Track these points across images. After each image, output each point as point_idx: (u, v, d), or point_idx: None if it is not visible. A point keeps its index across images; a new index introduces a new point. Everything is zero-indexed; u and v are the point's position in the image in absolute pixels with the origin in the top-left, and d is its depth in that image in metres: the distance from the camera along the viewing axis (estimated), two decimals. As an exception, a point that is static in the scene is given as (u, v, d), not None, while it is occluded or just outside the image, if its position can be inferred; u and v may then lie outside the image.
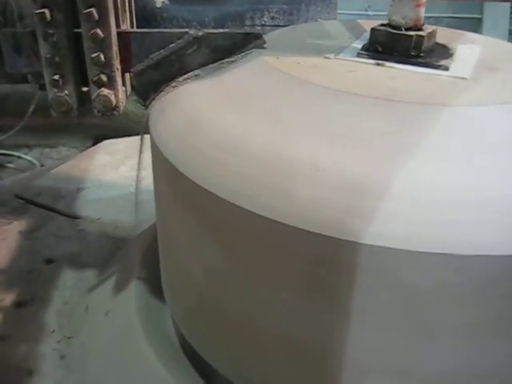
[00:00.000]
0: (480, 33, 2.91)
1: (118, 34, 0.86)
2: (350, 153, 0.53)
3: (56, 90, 0.87)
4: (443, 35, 0.76)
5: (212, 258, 0.61)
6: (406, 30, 0.70)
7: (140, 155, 0.75)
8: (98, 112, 0.88)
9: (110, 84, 0.87)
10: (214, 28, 1.60)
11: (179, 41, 0.71)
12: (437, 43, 0.74)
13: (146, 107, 0.72)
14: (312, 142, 0.55)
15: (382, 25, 0.73)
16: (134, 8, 0.97)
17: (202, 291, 0.67)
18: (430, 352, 0.54)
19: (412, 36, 0.69)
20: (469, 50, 0.75)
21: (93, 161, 1.49)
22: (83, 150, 2.23)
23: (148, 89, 0.72)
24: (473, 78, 0.64)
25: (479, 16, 3.41)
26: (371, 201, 0.50)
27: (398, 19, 0.71)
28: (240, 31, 0.75)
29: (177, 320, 0.80)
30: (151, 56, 0.71)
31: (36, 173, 1.61)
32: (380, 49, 0.72)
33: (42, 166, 2.27)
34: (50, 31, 0.82)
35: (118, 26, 0.88)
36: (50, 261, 1.08)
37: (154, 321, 0.86)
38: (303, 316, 0.56)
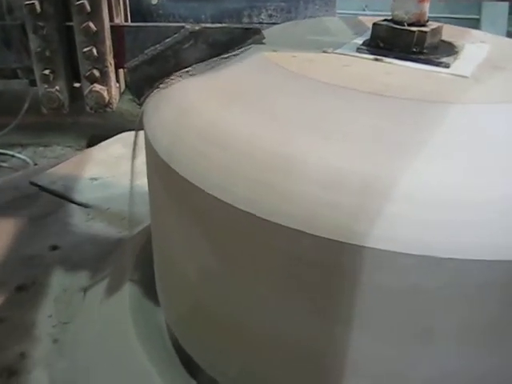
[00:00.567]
0: (478, 33, 2.89)
1: (112, 27, 0.83)
2: (329, 146, 0.52)
3: (46, 86, 0.84)
4: (453, 33, 0.74)
5: (206, 259, 0.60)
6: (409, 25, 0.69)
7: (134, 153, 0.73)
8: (91, 109, 0.85)
9: (103, 80, 0.84)
10: (210, 25, 1.58)
11: (175, 35, 0.69)
12: (442, 41, 0.72)
13: (141, 104, 0.70)
14: (285, 131, 0.54)
15: (385, 20, 0.71)
16: (128, 1, 0.95)
17: (196, 292, 0.65)
18: (431, 356, 0.52)
19: (414, 32, 0.68)
20: (477, 49, 0.73)
21: (108, 152, 1.53)
22: (77, 150, 2.24)
23: (142, 85, 0.70)
24: (474, 77, 0.63)
25: (477, 17, 3.41)
26: (373, 201, 0.48)
27: (400, 14, 0.69)
28: (238, 26, 0.73)
29: (170, 323, 0.79)
30: (146, 51, 0.69)
31: (29, 171, 1.62)
32: (381, 44, 0.70)
33: (36, 164, 2.26)
34: (40, 24, 0.79)
35: (111, 19, 0.85)
36: (54, 247, 1.11)
37: (147, 322, 0.85)
38: (300, 319, 0.55)
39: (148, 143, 0.66)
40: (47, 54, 0.82)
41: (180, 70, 0.69)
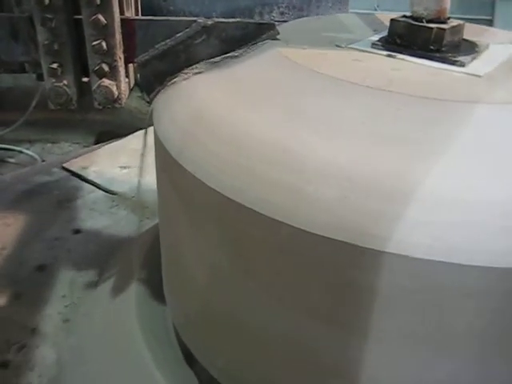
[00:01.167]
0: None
1: (122, 20, 0.82)
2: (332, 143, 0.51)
3: (54, 80, 0.82)
4: (481, 33, 0.73)
5: (218, 261, 0.58)
6: (428, 22, 0.66)
7: (143, 149, 0.73)
8: (99, 104, 0.84)
9: (112, 74, 0.83)
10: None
11: (187, 30, 0.67)
12: (464, 39, 0.70)
13: (150, 101, 0.69)
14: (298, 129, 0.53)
15: (404, 16, 0.69)
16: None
17: (205, 293, 0.64)
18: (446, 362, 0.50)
19: (432, 29, 0.66)
20: (503, 50, 0.71)
21: (142, 142, 1.56)
22: (85, 146, 2.23)
23: (152, 81, 0.68)
24: (488, 76, 0.61)
25: (490, 17, 3.38)
26: (398, 206, 0.46)
27: (419, 10, 0.67)
28: (252, 21, 0.71)
29: (176, 324, 0.77)
30: (156, 46, 0.68)
31: (37, 168, 1.63)
32: (398, 41, 0.68)
33: (43, 161, 2.26)
34: (49, 16, 0.77)
35: (121, 12, 0.83)
36: (77, 231, 1.17)
37: (154, 323, 0.84)
38: (314, 326, 0.53)
39: (158, 141, 0.64)
40: (55, 47, 0.81)
41: (191, 65, 0.67)
